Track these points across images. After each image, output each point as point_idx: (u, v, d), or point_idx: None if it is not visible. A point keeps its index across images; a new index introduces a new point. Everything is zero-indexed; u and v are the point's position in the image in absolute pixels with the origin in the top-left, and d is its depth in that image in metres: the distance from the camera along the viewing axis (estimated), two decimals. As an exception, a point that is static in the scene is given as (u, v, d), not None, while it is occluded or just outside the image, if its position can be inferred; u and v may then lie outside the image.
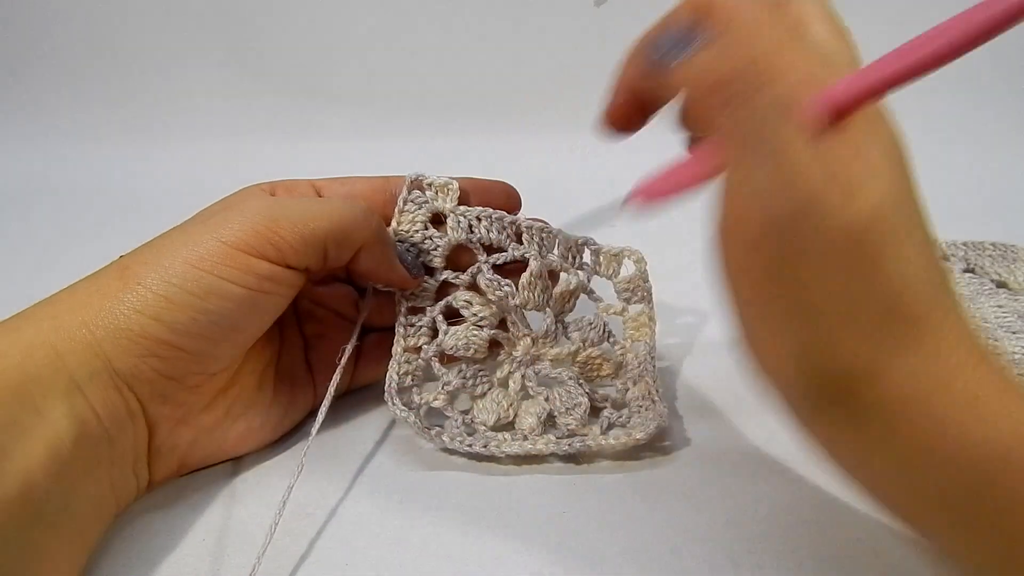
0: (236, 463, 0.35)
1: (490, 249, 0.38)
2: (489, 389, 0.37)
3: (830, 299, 0.19)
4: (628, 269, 0.39)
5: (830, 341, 0.19)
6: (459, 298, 0.37)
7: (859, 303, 0.19)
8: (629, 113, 0.25)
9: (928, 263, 0.19)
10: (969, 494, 0.19)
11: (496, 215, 0.37)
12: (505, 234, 0.37)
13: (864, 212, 0.18)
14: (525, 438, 0.35)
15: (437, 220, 0.38)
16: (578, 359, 0.38)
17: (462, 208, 0.37)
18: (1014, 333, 0.45)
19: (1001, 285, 0.51)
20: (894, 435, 0.19)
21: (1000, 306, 0.48)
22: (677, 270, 0.44)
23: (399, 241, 0.37)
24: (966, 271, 0.53)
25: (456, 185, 0.37)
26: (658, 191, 0.23)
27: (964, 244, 0.55)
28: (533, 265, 0.37)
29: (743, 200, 0.20)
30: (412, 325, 0.37)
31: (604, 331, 0.39)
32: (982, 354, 0.19)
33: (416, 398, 0.36)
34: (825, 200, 0.18)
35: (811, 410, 0.21)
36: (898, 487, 0.21)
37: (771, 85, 0.19)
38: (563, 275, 0.38)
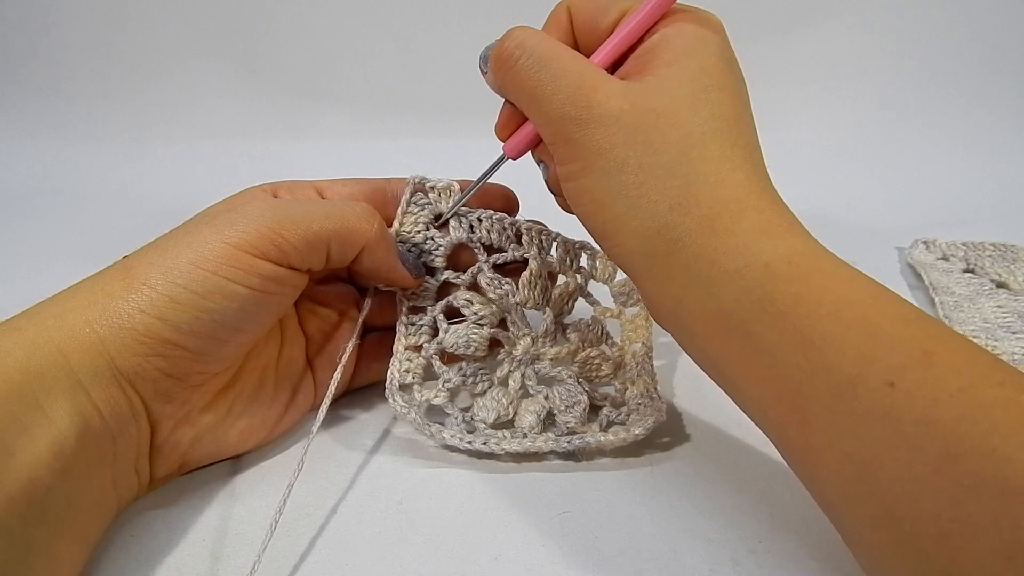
0: (236, 462, 0.35)
1: (490, 250, 0.38)
2: (489, 387, 0.37)
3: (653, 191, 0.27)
4: (623, 273, 0.39)
5: (650, 213, 0.28)
6: (460, 297, 0.37)
7: (663, 191, 0.27)
8: (510, 121, 0.33)
9: (714, 159, 0.27)
10: (741, 303, 0.26)
11: (497, 216, 0.37)
12: (505, 235, 0.37)
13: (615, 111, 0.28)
14: (525, 436, 0.35)
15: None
16: (577, 359, 0.38)
17: (463, 209, 0.37)
18: (1014, 333, 0.45)
19: (1001, 285, 0.51)
20: (690, 272, 0.27)
21: (1000, 306, 0.48)
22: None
23: (400, 242, 0.37)
24: (966, 271, 0.53)
25: (457, 187, 0.37)
26: (514, 147, 0.33)
27: (964, 244, 0.55)
28: (533, 265, 0.37)
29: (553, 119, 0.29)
30: (413, 324, 0.38)
31: (602, 332, 0.39)
32: (743, 210, 0.27)
33: (417, 395, 0.36)
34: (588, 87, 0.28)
35: (646, 265, 0.28)
36: (700, 312, 0.27)
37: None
38: (561, 276, 0.39)
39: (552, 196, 0.34)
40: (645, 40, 0.30)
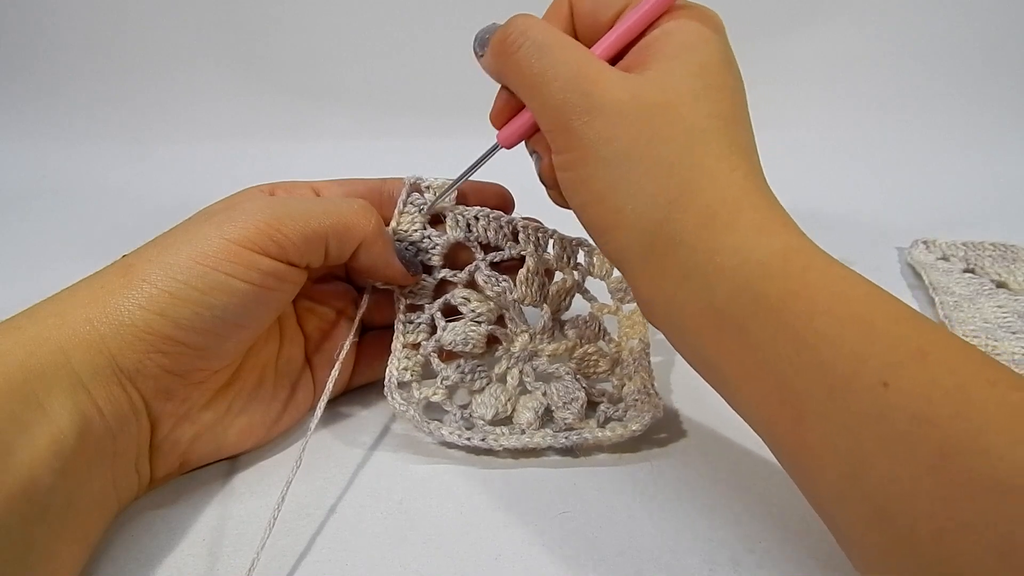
0: (235, 462, 0.35)
1: (487, 248, 0.38)
2: (487, 384, 0.37)
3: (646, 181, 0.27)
4: None
5: (650, 206, 0.27)
6: (457, 295, 0.37)
7: (664, 185, 0.27)
8: (505, 109, 0.32)
9: (708, 154, 0.27)
10: (736, 300, 0.25)
11: (493, 214, 0.37)
12: (502, 233, 0.38)
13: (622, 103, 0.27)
14: (523, 432, 0.35)
15: (435, 220, 0.38)
16: (575, 355, 0.38)
17: (460, 207, 0.37)
18: (1014, 333, 0.45)
19: (1001, 285, 0.51)
20: (686, 268, 0.27)
21: (1000, 306, 0.48)
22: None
23: (397, 240, 0.37)
24: (966, 271, 0.53)
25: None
26: (508, 137, 0.33)
27: (964, 244, 0.55)
28: (530, 262, 0.37)
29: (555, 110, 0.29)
30: (411, 322, 0.38)
31: (599, 328, 0.39)
32: (741, 208, 0.26)
33: (415, 393, 0.36)
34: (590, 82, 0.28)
35: (641, 261, 0.28)
36: (694, 309, 0.27)
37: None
38: (558, 273, 0.39)
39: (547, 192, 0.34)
40: (646, 35, 0.30)
